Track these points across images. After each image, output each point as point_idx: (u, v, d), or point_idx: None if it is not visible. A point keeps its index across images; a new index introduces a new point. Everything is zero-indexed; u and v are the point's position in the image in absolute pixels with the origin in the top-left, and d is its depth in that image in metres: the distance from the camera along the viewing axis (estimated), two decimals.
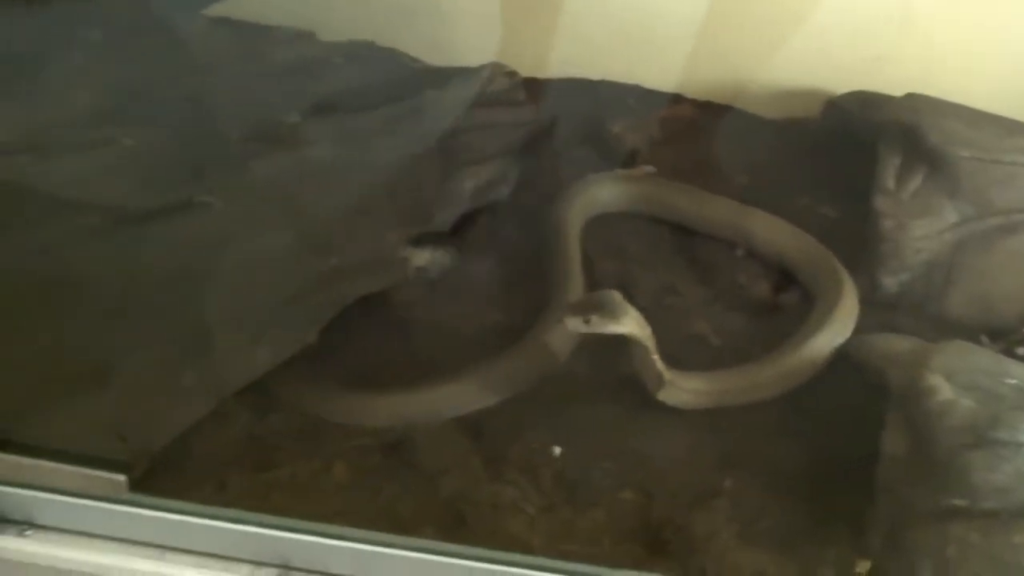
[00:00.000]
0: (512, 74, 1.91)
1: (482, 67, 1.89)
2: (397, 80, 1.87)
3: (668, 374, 1.70)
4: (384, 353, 1.82)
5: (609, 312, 1.62)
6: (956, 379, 1.62)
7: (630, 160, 2.25)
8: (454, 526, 1.55)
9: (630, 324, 1.64)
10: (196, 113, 1.68)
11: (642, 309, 1.91)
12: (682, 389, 1.72)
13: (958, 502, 1.51)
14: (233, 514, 1.22)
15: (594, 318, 1.61)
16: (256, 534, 1.20)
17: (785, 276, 2.02)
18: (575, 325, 1.62)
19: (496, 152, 1.87)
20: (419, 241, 1.86)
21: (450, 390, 1.73)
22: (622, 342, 1.82)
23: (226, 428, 1.66)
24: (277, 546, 1.20)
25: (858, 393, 1.75)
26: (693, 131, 2.34)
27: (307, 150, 1.66)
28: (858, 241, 2.02)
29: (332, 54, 1.82)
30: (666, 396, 1.71)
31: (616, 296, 1.65)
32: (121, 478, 1.23)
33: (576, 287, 1.91)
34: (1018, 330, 1.93)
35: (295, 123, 1.72)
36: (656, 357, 1.68)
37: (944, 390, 1.60)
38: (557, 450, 1.69)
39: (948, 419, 1.57)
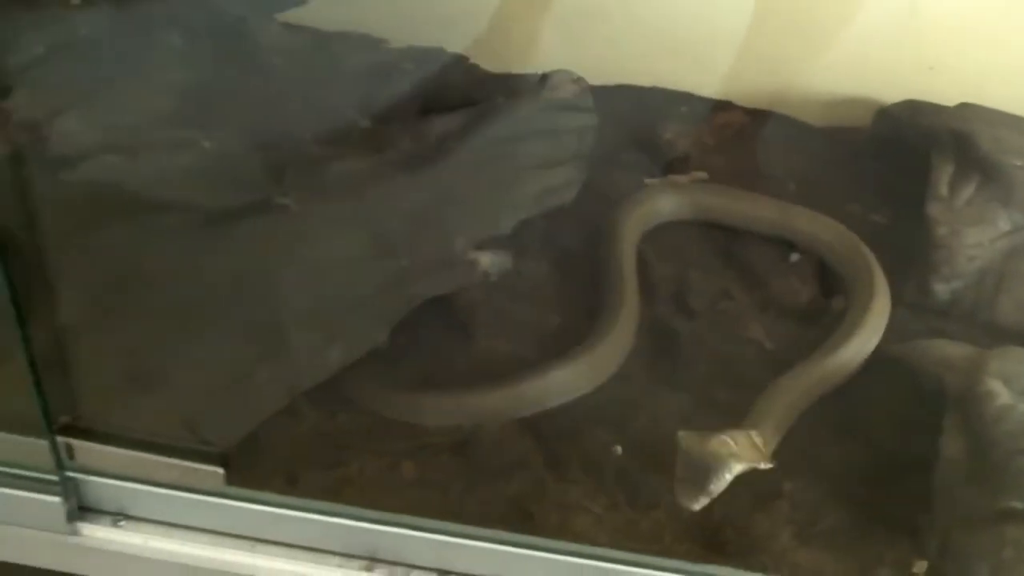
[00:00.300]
0: (579, 80, 1.95)
1: (551, 73, 1.93)
2: (466, 85, 1.91)
3: (762, 456, 1.64)
4: (448, 354, 1.86)
5: (716, 478, 1.54)
6: (1013, 384, 1.65)
7: (681, 166, 2.28)
8: (522, 523, 1.59)
9: (737, 468, 1.56)
10: (271, 117, 1.72)
11: (699, 313, 1.98)
12: (767, 448, 1.68)
13: (1015, 504, 1.54)
14: (323, 506, 1.26)
15: (711, 489, 1.53)
16: (345, 526, 1.24)
17: (836, 280, 2.05)
18: (702, 503, 1.53)
19: (562, 158, 1.91)
20: (480, 245, 1.89)
21: (514, 392, 1.77)
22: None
23: (296, 426, 1.70)
24: (365, 538, 1.24)
25: (913, 398, 1.78)
26: (743, 138, 2.38)
27: (380, 154, 1.70)
28: (908, 248, 2.05)
29: (402, 60, 1.87)
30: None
31: (710, 454, 1.56)
32: (219, 471, 1.27)
33: (631, 295, 1.94)
34: None
35: (367, 128, 1.76)
36: (762, 466, 1.61)
37: (1003, 395, 1.63)
38: (619, 450, 1.73)
39: (1006, 423, 1.60)
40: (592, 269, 2.03)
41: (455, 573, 1.24)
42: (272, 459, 1.63)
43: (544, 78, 1.91)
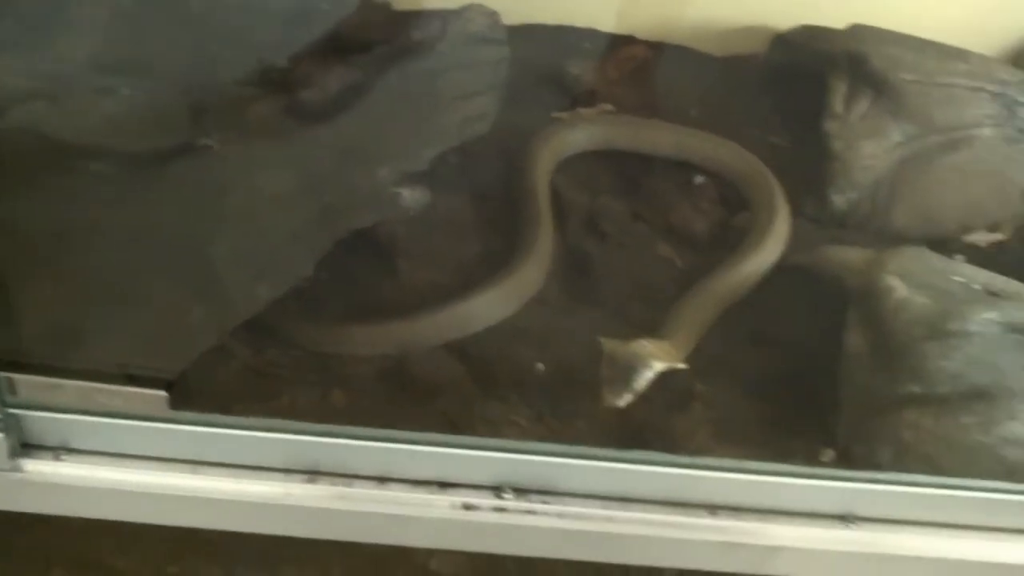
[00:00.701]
0: (492, 14, 2.01)
1: (463, 8, 1.98)
2: (383, 23, 1.95)
3: (678, 359, 1.74)
4: (375, 287, 1.90)
5: (639, 375, 1.63)
6: (910, 279, 1.76)
7: (588, 100, 2.35)
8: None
9: (657, 366, 1.66)
10: (192, 61, 1.75)
11: (611, 236, 2.05)
12: (683, 352, 1.79)
13: (915, 389, 1.66)
14: (264, 423, 1.30)
15: (635, 386, 1.63)
16: (286, 441, 1.29)
17: (739, 198, 2.14)
18: (626, 400, 1.63)
19: (479, 89, 1.97)
20: (399, 181, 1.94)
21: (439, 318, 1.83)
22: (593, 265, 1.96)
23: (229, 363, 1.74)
24: (306, 452, 1.29)
25: (817, 301, 1.88)
26: (645, 70, 2.45)
27: (300, 93, 1.74)
28: (806, 165, 2.16)
29: (319, 1, 1.90)
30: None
31: (631, 354, 1.66)
32: (162, 394, 1.31)
33: (547, 222, 2.01)
34: (957, 239, 2.08)
35: (286, 68, 1.80)
36: (679, 366, 1.71)
37: (900, 289, 1.74)
38: (541, 367, 1.80)
39: (904, 314, 1.71)
40: (508, 200, 2.09)
41: (395, 479, 1.30)
42: (206, 396, 1.67)
43: (458, 12, 1.96)
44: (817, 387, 1.78)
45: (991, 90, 2.11)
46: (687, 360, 1.79)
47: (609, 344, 1.68)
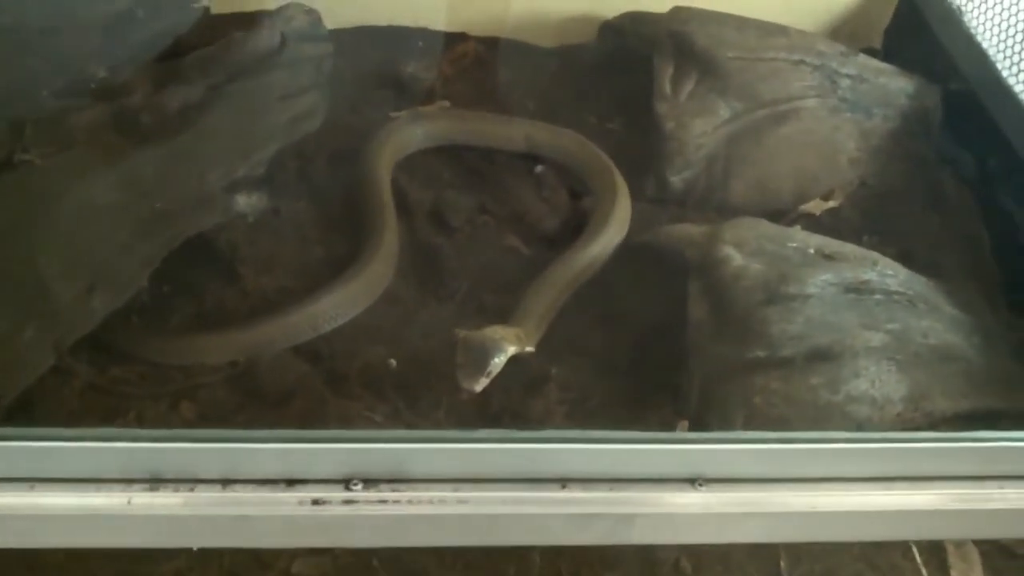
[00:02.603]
0: (311, 11, 1.99)
1: (282, 7, 1.96)
2: (201, 27, 1.91)
3: (529, 343, 1.76)
4: (218, 296, 1.87)
5: (493, 359, 1.64)
6: (745, 248, 1.81)
7: (426, 98, 2.35)
8: None
9: (510, 349, 1.68)
10: (7, 74, 1.69)
11: (457, 229, 2.05)
12: (533, 337, 1.80)
13: (760, 353, 1.69)
14: (101, 433, 1.25)
15: (490, 370, 1.64)
16: (125, 450, 1.24)
17: (582, 184, 2.17)
18: (482, 384, 1.63)
19: (304, 86, 1.95)
20: (233, 186, 1.91)
21: (284, 321, 1.80)
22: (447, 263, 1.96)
23: (70, 383, 1.69)
24: (147, 459, 1.25)
25: (662, 278, 1.91)
26: (480, 65, 2.46)
27: (122, 100, 1.69)
28: (643, 149, 2.20)
29: (134, 6, 1.85)
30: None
31: (484, 340, 1.67)
32: None
33: (390, 219, 2.00)
34: (794, 209, 2.14)
35: (105, 78, 1.74)
36: (527, 349, 1.74)
37: (736, 258, 1.78)
38: (393, 362, 1.79)
39: (742, 282, 1.75)
40: (351, 201, 2.08)
41: (239, 480, 1.26)
42: (45, 420, 1.61)
43: (278, 12, 1.94)
44: (668, 361, 1.80)
45: (812, 62, 2.19)
46: (539, 344, 1.81)
47: (464, 334, 1.68)
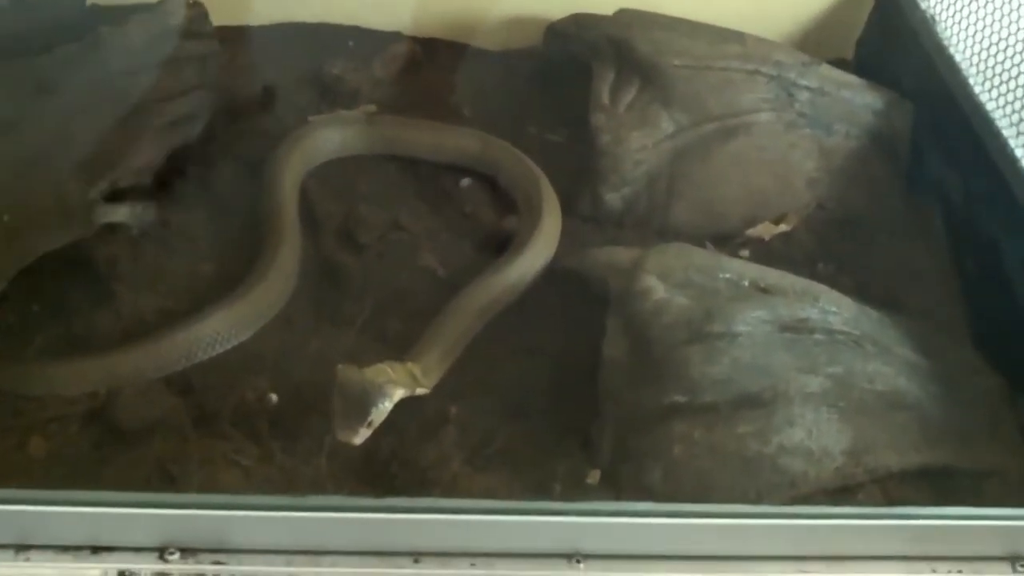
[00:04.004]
0: (196, 5, 1.80)
1: (162, 1, 1.77)
2: (69, 21, 1.73)
3: (425, 383, 1.57)
4: (88, 316, 1.69)
5: (374, 407, 1.44)
6: (671, 278, 1.62)
7: (351, 101, 2.17)
8: (163, 486, 1.45)
9: (396, 394, 1.48)
10: None
11: (367, 247, 1.87)
12: (434, 374, 1.62)
13: (679, 398, 1.51)
14: None
15: (371, 420, 1.44)
16: None
17: (510, 200, 1.98)
18: (363, 435, 1.44)
19: (185, 87, 1.76)
20: (116, 195, 1.73)
21: (154, 349, 1.62)
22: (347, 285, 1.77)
23: None
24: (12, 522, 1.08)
25: (586, 308, 1.72)
26: (415, 68, 2.28)
27: None
28: (582, 163, 2.01)
29: None
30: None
31: (364, 383, 1.47)
32: None
33: (291, 234, 1.83)
34: (740, 234, 1.95)
35: None
36: (418, 392, 1.54)
37: (658, 290, 1.59)
38: (274, 397, 1.60)
39: (663, 317, 1.56)
40: (252, 213, 1.90)
41: (36, 546, 1.09)
42: None
43: (156, 6, 1.75)
44: (585, 403, 1.61)
45: (768, 73, 2.00)
46: (443, 380, 1.62)
47: (344, 372, 1.48)
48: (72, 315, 1.68)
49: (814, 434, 1.49)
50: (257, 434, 1.54)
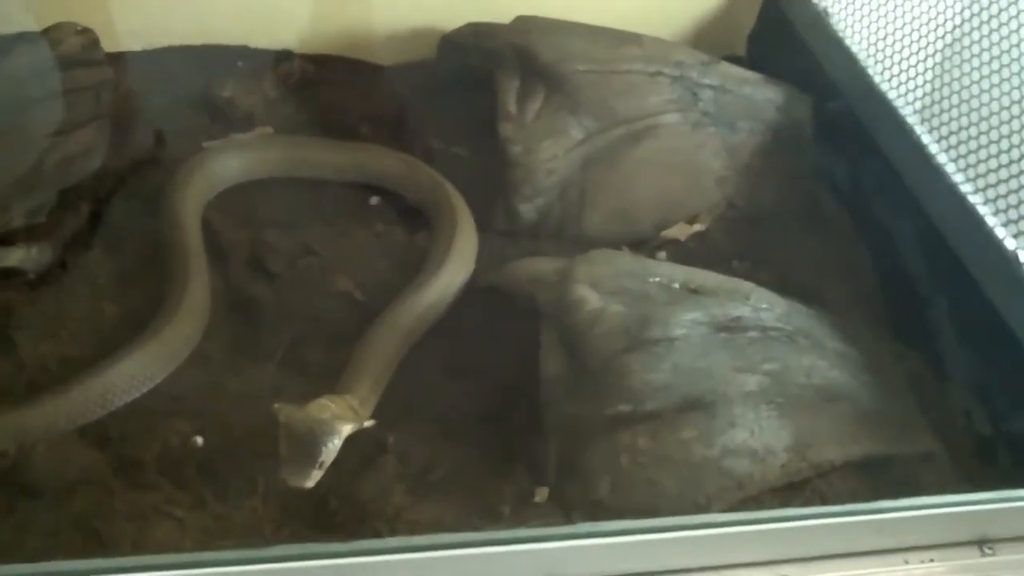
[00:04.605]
0: (85, 31, 1.69)
1: (48, 28, 1.66)
2: None
3: (365, 413, 1.52)
4: None
5: (324, 446, 1.38)
6: (603, 286, 1.59)
7: (245, 123, 2.09)
8: (90, 546, 1.35)
9: (345, 430, 1.41)
10: None
11: (278, 275, 1.79)
12: (368, 405, 1.56)
13: (622, 408, 1.48)
14: None
15: (322, 460, 1.37)
16: None
17: (422, 216, 1.93)
18: (314, 478, 1.37)
19: (80, 120, 1.66)
20: (7, 239, 1.62)
21: (64, 399, 1.51)
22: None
23: None
24: None
25: (514, 323, 1.69)
26: (309, 86, 2.21)
27: None
28: (491, 176, 1.97)
29: None
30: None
31: (311, 423, 1.40)
32: None
33: (197, 269, 1.74)
34: (656, 237, 1.94)
35: None
36: (365, 424, 1.48)
37: (592, 299, 1.56)
38: (199, 440, 1.52)
39: (599, 327, 1.53)
40: (153, 248, 1.80)
41: None
42: None
43: (44, 33, 1.64)
44: (525, 420, 1.57)
45: (670, 74, 1.98)
46: (375, 409, 1.56)
47: (285, 412, 1.41)
48: None
49: (756, 433, 1.48)
50: (186, 481, 1.46)
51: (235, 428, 1.54)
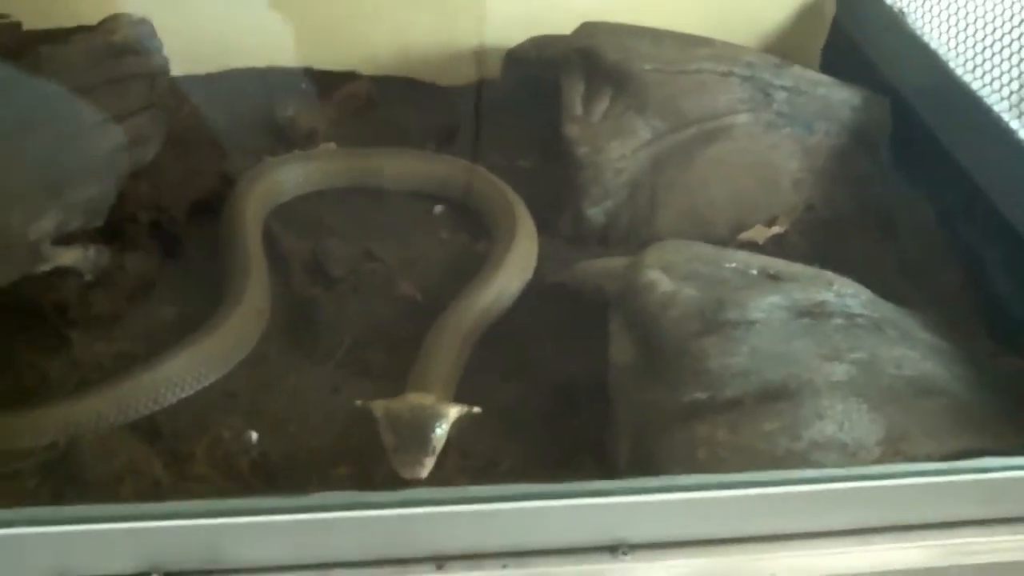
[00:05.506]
0: (141, 21, 1.67)
1: (105, 19, 1.64)
2: (8, 45, 1.60)
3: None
4: (40, 365, 1.54)
5: (434, 432, 1.34)
6: (675, 271, 1.51)
7: (308, 142, 2.06)
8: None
9: (452, 413, 1.38)
10: None
11: (340, 280, 1.75)
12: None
13: (699, 395, 1.38)
14: None
15: (434, 447, 1.33)
16: None
17: (483, 223, 1.88)
18: (428, 466, 1.31)
19: (134, 108, 1.63)
20: (66, 239, 1.59)
21: (115, 394, 1.47)
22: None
23: None
24: None
25: (581, 319, 1.61)
26: (372, 107, 2.19)
27: None
28: (558, 183, 1.91)
29: None
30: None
31: (415, 410, 1.37)
32: None
33: (257, 272, 1.71)
34: (732, 240, 1.86)
35: None
36: (475, 409, 1.42)
37: (663, 282, 1.48)
38: (254, 436, 1.45)
39: (672, 310, 1.44)
40: (214, 255, 1.77)
41: None
42: None
43: (98, 24, 1.63)
44: (591, 414, 1.49)
45: (741, 73, 1.92)
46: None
47: (379, 405, 1.37)
48: (23, 366, 1.53)
49: (846, 426, 1.36)
50: (238, 473, 1.40)
51: (291, 424, 1.49)
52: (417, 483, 1.29)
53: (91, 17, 1.70)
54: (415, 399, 1.40)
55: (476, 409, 1.41)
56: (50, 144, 1.48)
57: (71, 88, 1.52)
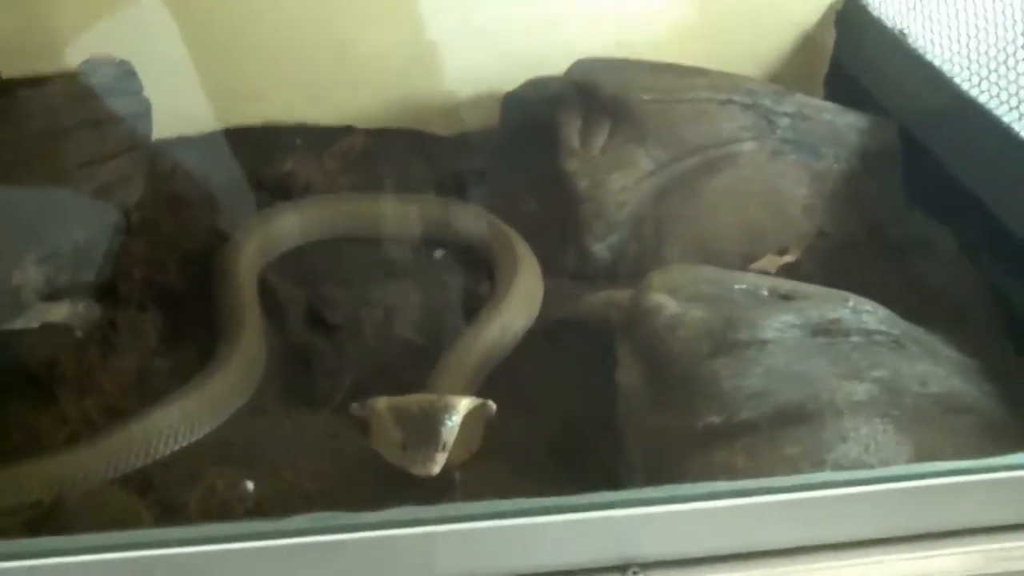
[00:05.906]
0: (120, 63, 1.65)
1: (84, 61, 1.62)
2: None
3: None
4: (28, 422, 1.48)
5: (444, 424, 1.27)
6: (681, 292, 1.45)
7: (305, 195, 2.02)
8: None
9: (462, 406, 1.31)
10: None
11: (338, 327, 1.70)
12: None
13: (713, 419, 1.31)
14: None
15: (445, 441, 1.27)
16: None
17: (485, 266, 1.83)
18: (439, 462, 1.26)
19: (115, 149, 1.60)
20: (54, 295, 1.55)
21: (106, 447, 1.41)
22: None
23: None
24: None
25: (588, 352, 1.56)
26: (369, 159, 2.15)
27: None
28: (561, 222, 1.87)
29: None
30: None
31: (423, 403, 1.31)
32: None
33: (252, 322, 1.66)
34: (743, 270, 1.79)
35: None
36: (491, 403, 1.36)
37: (670, 305, 1.42)
38: (250, 486, 1.39)
39: (680, 331, 1.38)
40: (208, 307, 1.72)
41: None
42: None
43: (78, 66, 1.60)
44: (602, 443, 1.42)
45: (741, 101, 1.88)
46: None
47: (381, 402, 1.30)
48: (10, 423, 1.47)
49: (871, 448, 1.29)
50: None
51: (288, 472, 1.42)
52: (428, 480, 1.23)
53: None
54: (421, 396, 1.34)
55: (490, 402, 1.34)
56: (31, 188, 1.44)
57: (52, 128, 1.49)
